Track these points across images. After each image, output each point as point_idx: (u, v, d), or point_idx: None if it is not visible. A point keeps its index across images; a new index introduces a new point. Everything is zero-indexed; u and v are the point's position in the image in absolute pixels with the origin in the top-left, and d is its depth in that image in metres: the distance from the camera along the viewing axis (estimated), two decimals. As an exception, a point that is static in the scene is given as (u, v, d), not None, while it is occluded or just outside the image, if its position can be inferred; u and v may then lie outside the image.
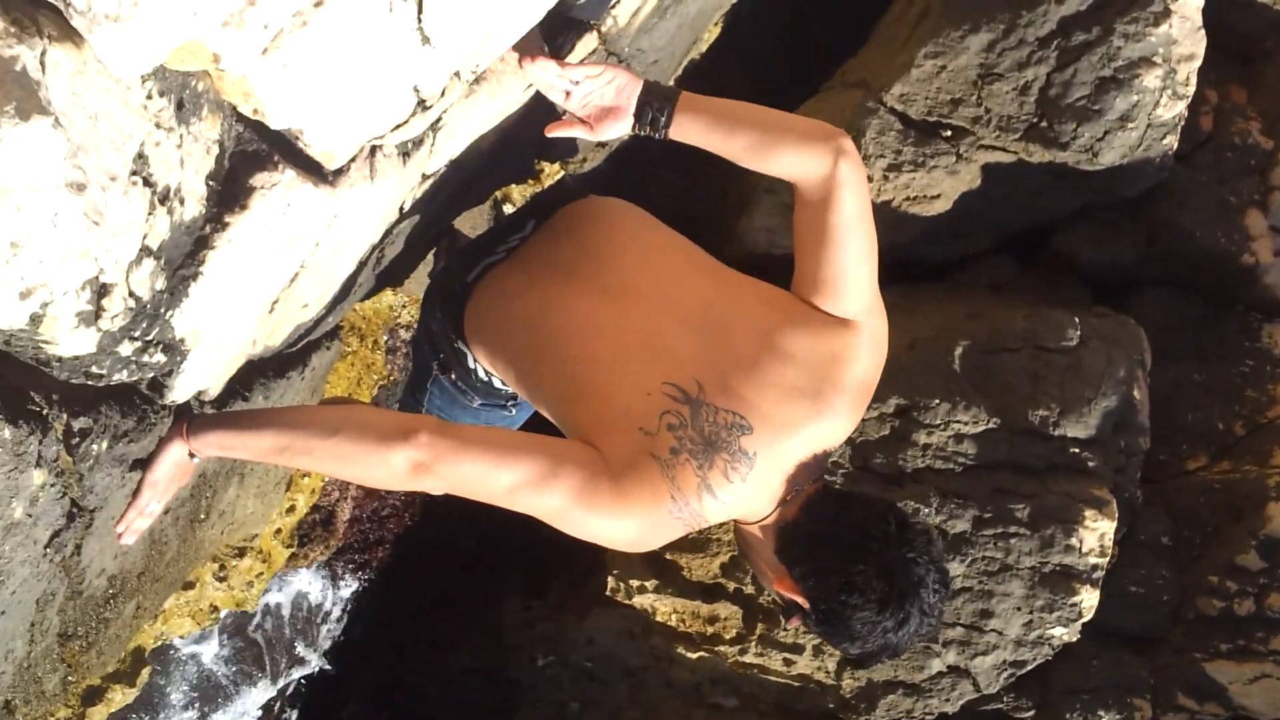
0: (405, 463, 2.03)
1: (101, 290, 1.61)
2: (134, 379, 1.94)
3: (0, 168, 1.28)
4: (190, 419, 2.21)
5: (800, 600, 2.19)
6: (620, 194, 4.82)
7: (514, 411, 2.77)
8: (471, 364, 2.55)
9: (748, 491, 2.19)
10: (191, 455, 2.22)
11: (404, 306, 4.34)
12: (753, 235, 4.69)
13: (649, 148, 4.96)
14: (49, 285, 1.49)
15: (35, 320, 1.56)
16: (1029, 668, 4.08)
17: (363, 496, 4.61)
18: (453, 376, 2.60)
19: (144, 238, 1.62)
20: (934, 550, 2.16)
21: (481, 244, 2.64)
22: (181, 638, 3.62)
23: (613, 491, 2.09)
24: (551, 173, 4.27)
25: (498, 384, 2.60)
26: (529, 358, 2.37)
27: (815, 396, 2.26)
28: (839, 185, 2.32)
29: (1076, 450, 4.05)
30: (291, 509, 3.83)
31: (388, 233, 2.54)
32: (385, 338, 4.30)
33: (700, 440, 2.15)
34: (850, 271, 2.36)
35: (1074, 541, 3.91)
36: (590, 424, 2.21)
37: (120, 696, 3.36)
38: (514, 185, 4.24)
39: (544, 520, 2.14)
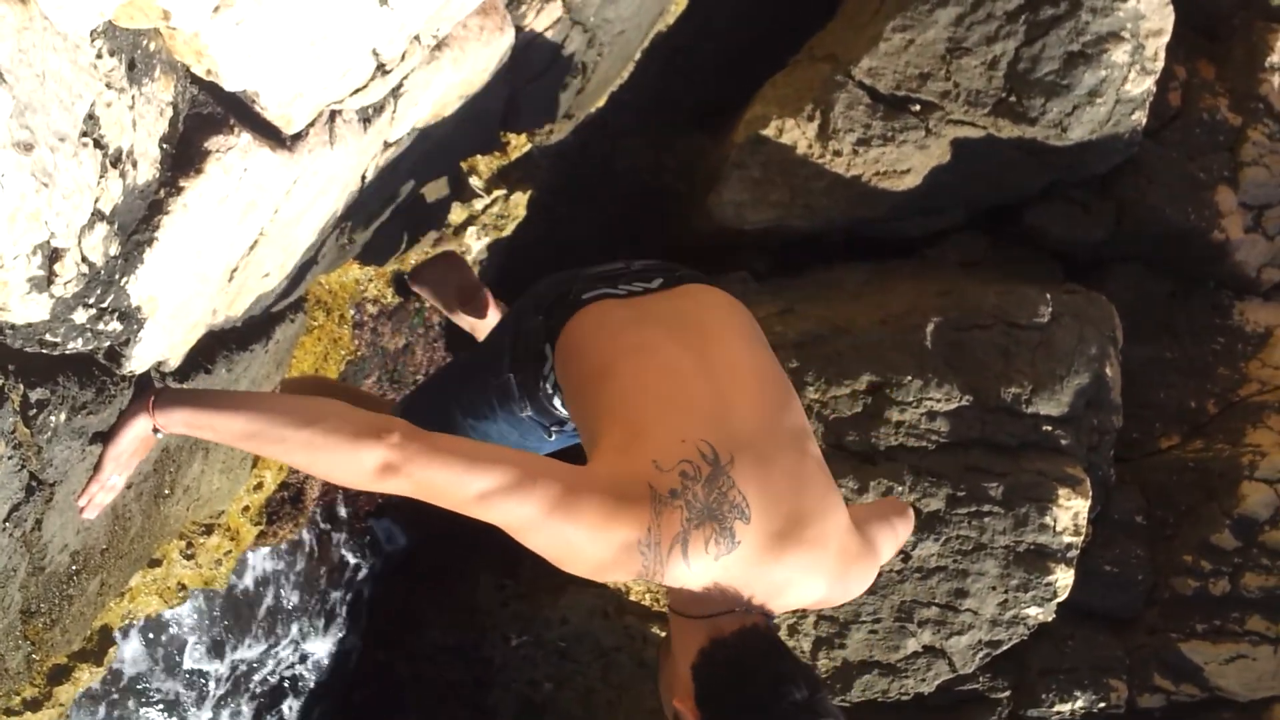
0: (375, 460, 2.00)
1: (53, 255, 1.59)
2: (90, 348, 1.91)
3: (-58, 124, 1.26)
4: (157, 393, 2.17)
5: None
6: (589, 168, 4.82)
7: (551, 438, 2.79)
8: (546, 371, 2.55)
9: (713, 574, 2.14)
10: (156, 430, 2.18)
11: (370, 281, 4.31)
12: (721, 210, 4.68)
13: (618, 121, 4.97)
14: (-3, 248, 1.47)
15: (-15, 285, 1.54)
16: (1005, 648, 4.08)
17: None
18: (518, 378, 2.62)
19: (96, 201, 1.59)
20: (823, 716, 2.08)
21: (606, 277, 2.65)
22: (149, 616, 3.59)
23: (600, 506, 2.06)
24: (518, 144, 4.24)
25: (557, 404, 2.61)
26: (599, 374, 2.37)
27: (821, 545, 2.25)
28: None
29: (1049, 428, 4.05)
30: (259, 486, 3.79)
31: (350, 202, 2.52)
32: (352, 312, 4.27)
33: (702, 500, 2.13)
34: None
35: (1048, 520, 3.91)
36: (613, 444, 2.21)
37: (87, 675, 3.32)
38: (479, 156, 4.20)
39: (510, 531, 2.10)
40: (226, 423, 2.09)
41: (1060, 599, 3.97)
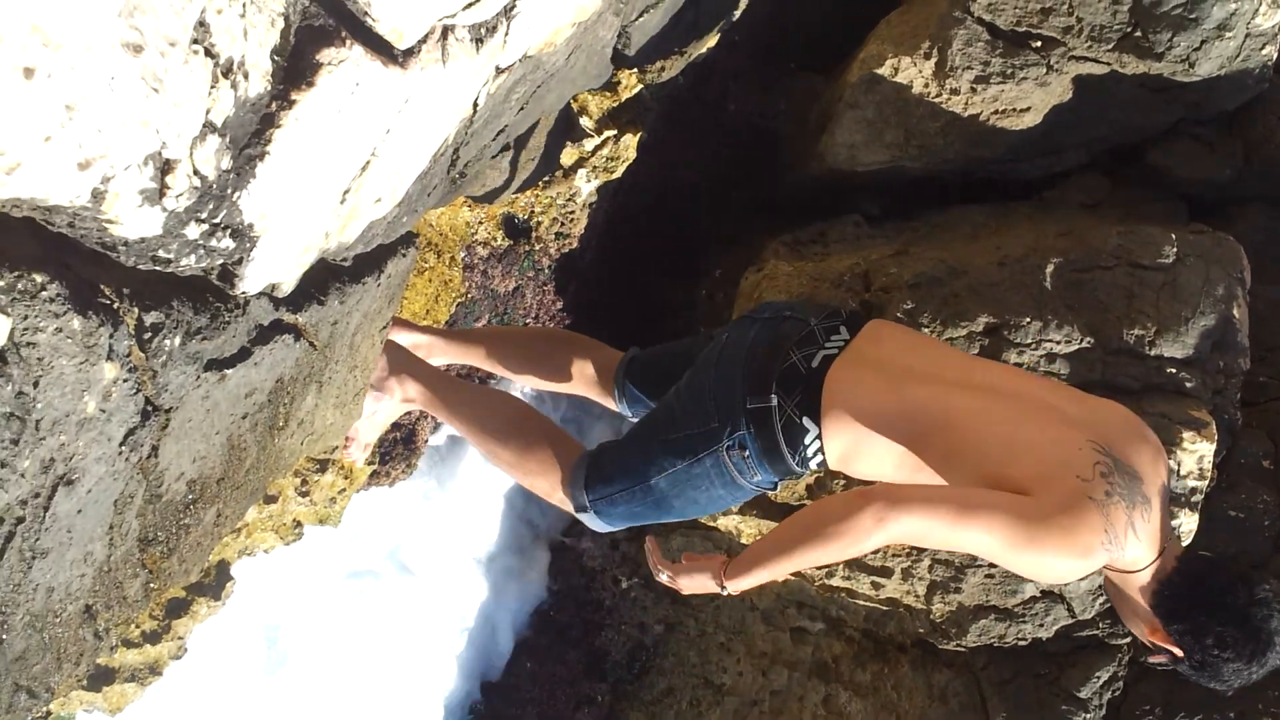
0: (872, 528, 2.48)
1: (165, 166, 1.57)
2: (203, 265, 1.90)
3: (51, 21, 1.24)
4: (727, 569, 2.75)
5: (1175, 650, 2.63)
6: (699, 110, 4.79)
7: (741, 495, 3.07)
8: (808, 441, 2.83)
9: (1149, 535, 2.57)
10: (723, 588, 2.77)
11: (480, 223, 4.30)
12: (834, 152, 4.61)
13: (728, 62, 4.91)
14: (109, 157, 1.46)
15: (98, 196, 1.53)
16: (1129, 593, 3.98)
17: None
18: (746, 454, 2.88)
19: (207, 112, 1.58)
20: (1277, 603, 2.57)
21: (802, 337, 2.94)
22: (265, 551, 3.63)
23: (1061, 531, 2.44)
24: (629, 85, 4.20)
25: (812, 465, 2.91)
26: (923, 440, 2.71)
27: (1158, 450, 2.74)
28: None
29: (1173, 370, 3.93)
30: (373, 425, 3.81)
31: (461, 130, 2.49)
32: (463, 254, 4.27)
33: (1127, 486, 2.54)
34: None
35: (1172, 464, 3.80)
36: (1029, 476, 2.54)
37: (206, 609, 3.37)
38: (590, 96, 4.16)
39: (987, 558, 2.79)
40: (768, 568, 2.66)
41: (1184, 544, 3.85)
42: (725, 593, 2.76)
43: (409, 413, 3.50)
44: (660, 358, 3.42)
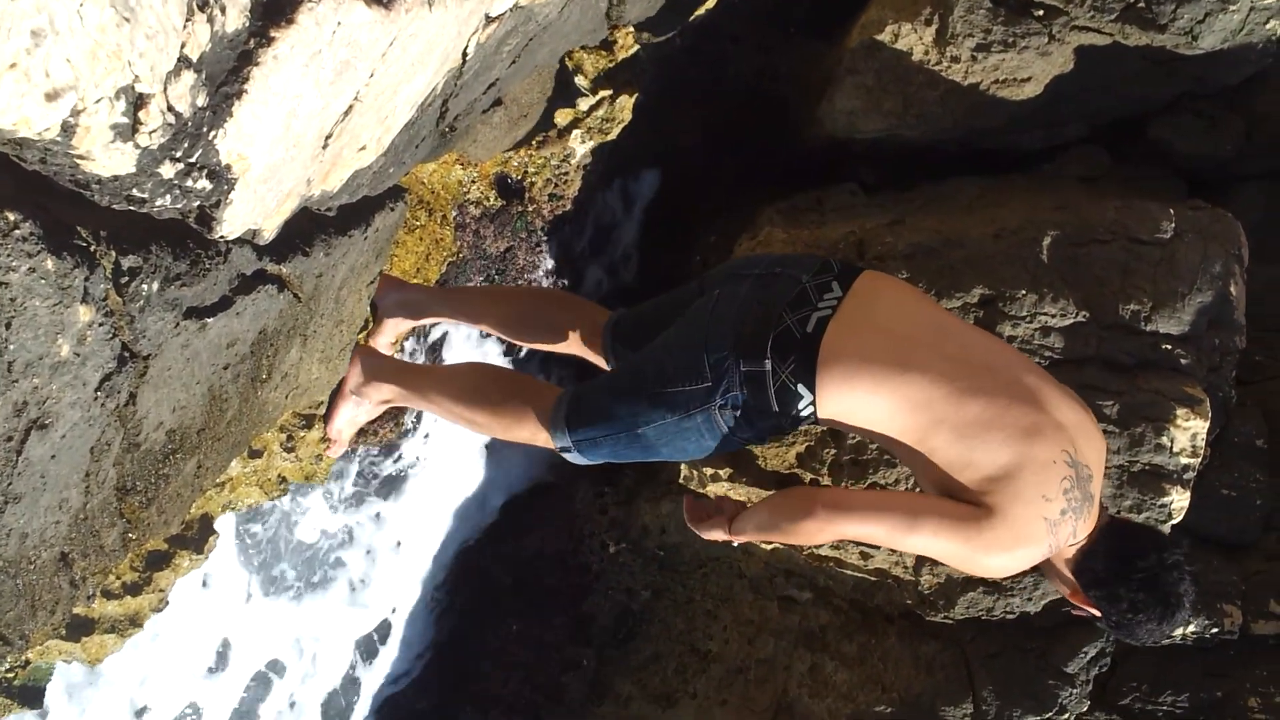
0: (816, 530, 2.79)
1: (138, 101, 1.54)
2: (179, 207, 1.87)
3: (17, -58, 1.21)
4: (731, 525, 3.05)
5: (1094, 612, 2.82)
6: (697, 72, 4.75)
7: (729, 447, 3.12)
8: (802, 406, 2.84)
9: (1086, 530, 2.77)
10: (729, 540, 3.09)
11: (473, 182, 4.27)
12: (832, 118, 4.57)
13: (728, 24, 4.86)
14: (78, 88, 1.42)
15: (68, 130, 1.50)
16: (1117, 570, 3.96)
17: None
18: (737, 413, 2.90)
19: (182, 46, 1.54)
20: (1189, 566, 2.76)
21: (795, 298, 2.92)
22: (249, 507, 3.61)
23: (1005, 548, 2.68)
24: (625, 45, 4.15)
25: (802, 425, 2.95)
26: (911, 414, 2.77)
27: (1103, 439, 2.91)
28: None
29: (1169, 347, 3.90)
30: (360, 382, 3.80)
31: (450, 80, 2.45)
32: (454, 213, 4.24)
33: (1080, 498, 2.71)
34: None
35: (1164, 441, 3.77)
36: (1002, 475, 2.69)
37: (188, 563, 3.35)
38: (585, 55, 4.12)
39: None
40: (751, 537, 3.05)
41: (1175, 521, 3.82)
42: (735, 544, 3.14)
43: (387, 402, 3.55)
44: (645, 315, 3.42)
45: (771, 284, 2.98)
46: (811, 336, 2.81)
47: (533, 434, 3.27)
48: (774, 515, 2.89)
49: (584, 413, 3.17)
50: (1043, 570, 2.97)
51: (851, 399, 2.80)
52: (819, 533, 2.78)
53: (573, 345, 3.61)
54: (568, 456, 3.25)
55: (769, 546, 4.19)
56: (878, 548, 3.99)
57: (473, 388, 3.38)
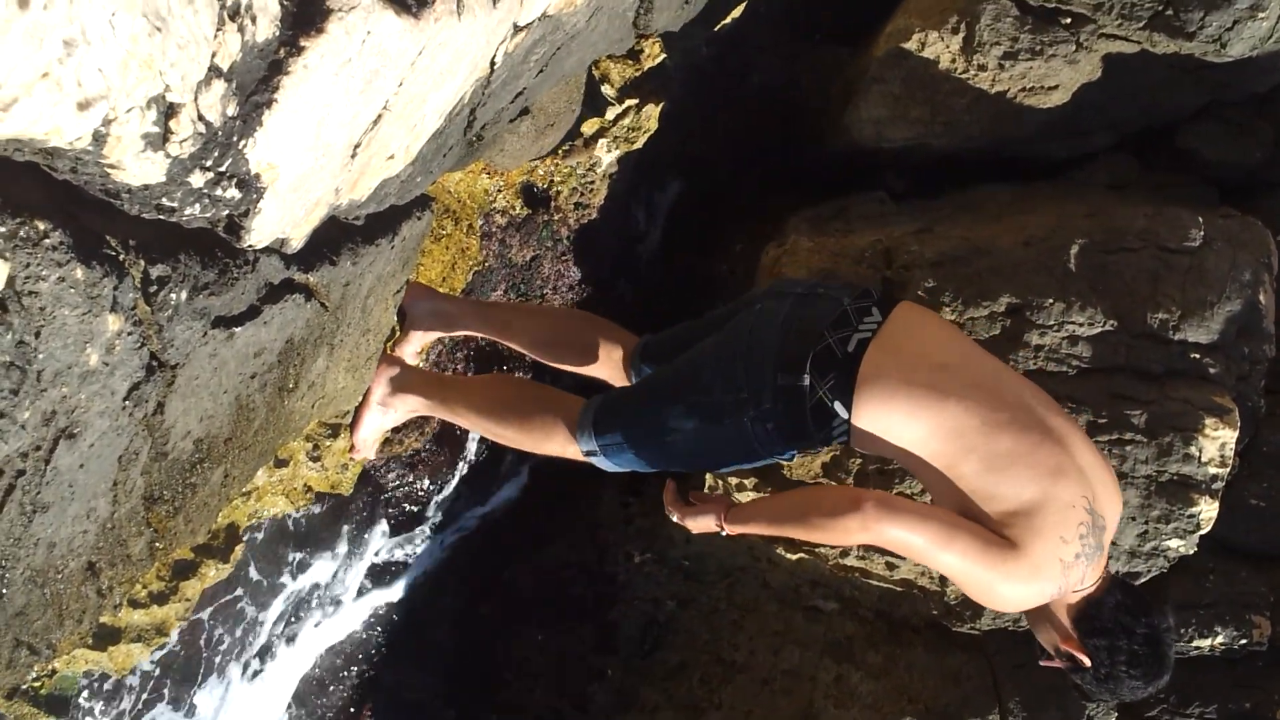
0: (858, 528, 2.70)
1: (169, 110, 1.54)
2: (208, 216, 1.87)
3: (50, -49, 1.21)
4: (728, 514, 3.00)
5: (1084, 660, 2.80)
6: (722, 81, 4.74)
7: (755, 462, 3.11)
8: (836, 424, 2.85)
9: (1094, 578, 2.78)
10: (721, 530, 3.01)
11: (499, 191, 4.27)
12: (859, 127, 4.55)
13: (753, 33, 4.85)
14: (110, 98, 1.42)
15: (99, 140, 1.50)
16: (1143, 580, 3.92)
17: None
18: (769, 427, 2.89)
19: (213, 56, 1.54)
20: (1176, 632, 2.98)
21: (836, 319, 2.93)
22: (275, 516, 3.61)
23: (1021, 583, 2.69)
24: (651, 54, 4.15)
25: (832, 443, 2.96)
26: (943, 443, 2.78)
27: (1118, 488, 2.92)
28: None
29: (1197, 356, 3.87)
30: (385, 392, 3.80)
31: (478, 89, 2.45)
32: (481, 222, 4.24)
33: (1094, 545, 2.73)
34: None
35: (1193, 450, 3.75)
36: (1025, 512, 2.70)
37: (214, 572, 3.35)
38: (612, 64, 4.12)
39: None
40: (759, 528, 2.95)
41: (1203, 532, 3.80)
42: (724, 534, 3.02)
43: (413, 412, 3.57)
44: (676, 338, 3.42)
45: (814, 303, 3.00)
46: (852, 356, 2.83)
47: (563, 447, 3.26)
48: (804, 508, 2.81)
49: (613, 417, 3.17)
50: (1028, 616, 3.00)
51: (888, 419, 2.80)
52: (860, 530, 2.71)
53: (601, 368, 3.63)
54: (594, 461, 3.24)
55: (794, 555, 4.17)
56: (903, 559, 3.97)
57: (501, 401, 3.39)
